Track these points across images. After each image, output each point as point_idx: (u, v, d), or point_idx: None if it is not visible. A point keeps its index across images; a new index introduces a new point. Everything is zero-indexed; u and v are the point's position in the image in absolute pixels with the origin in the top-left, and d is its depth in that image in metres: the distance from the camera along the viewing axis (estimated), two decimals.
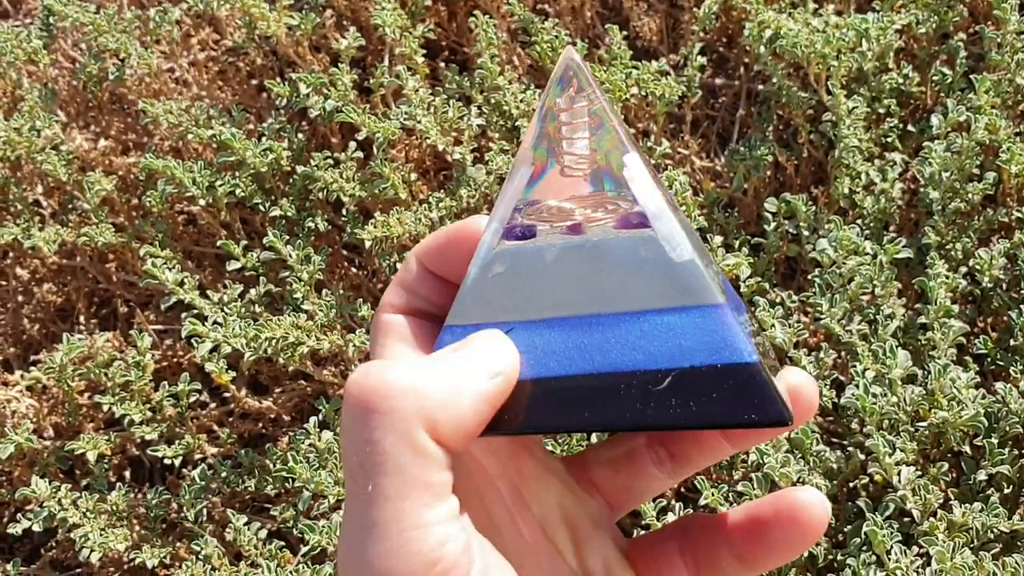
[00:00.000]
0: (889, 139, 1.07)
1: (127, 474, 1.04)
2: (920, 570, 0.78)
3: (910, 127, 1.09)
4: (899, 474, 0.83)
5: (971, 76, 1.03)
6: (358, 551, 0.33)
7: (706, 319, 0.36)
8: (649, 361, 0.36)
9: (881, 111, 1.08)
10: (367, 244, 0.92)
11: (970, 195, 0.98)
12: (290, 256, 0.93)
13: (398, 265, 0.99)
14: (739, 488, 0.84)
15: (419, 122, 1.00)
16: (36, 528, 0.87)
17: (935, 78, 1.09)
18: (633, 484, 0.43)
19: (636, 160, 0.39)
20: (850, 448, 0.90)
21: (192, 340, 0.89)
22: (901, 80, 1.08)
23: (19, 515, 0.89)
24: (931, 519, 0.81)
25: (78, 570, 0.99)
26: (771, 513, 0.39)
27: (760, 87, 1.19)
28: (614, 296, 0.37)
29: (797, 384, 0.38)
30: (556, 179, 0.39)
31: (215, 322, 0.88)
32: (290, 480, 0.84)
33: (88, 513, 0.85)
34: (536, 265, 0.38)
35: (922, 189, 1.00)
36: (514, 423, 0.37)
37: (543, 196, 0.39)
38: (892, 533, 0.79)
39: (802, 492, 0.39)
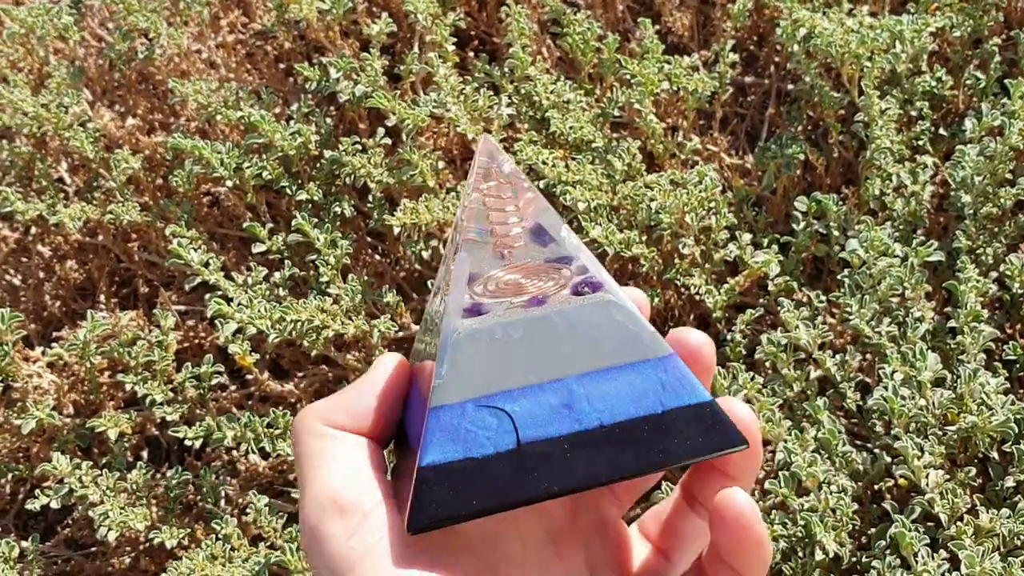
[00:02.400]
0: (920, 142, 1.06)
1: (144, 454, 1.04)
2: (947, 574, 0.77)
3: (941, 131, 1.08)
4: (927, 477, 0.82)
5: (1005, 81, 1.02)
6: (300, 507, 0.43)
7: (669, 367, 0.41)
8: (620, 413, 0.40)
9: (913, 114, 1.07)
10: (395, 230, 0.92)
11: (1002, 200, 0.97)
12: (318, 240, 0.92)
13: (424, 253, 0.98)
14: (766, 486, 0.83)
15: (449, 110, 0.99)
16: (54, 505, 0.87)
17: (968, 82, 1.08)
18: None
19: (567, 229, 0.44)
20: (876, 450, 0.89)
21: (217, 321, 0.88)
22: (934, 83, 1.07)
23: (37, 491, 0.88)
24: (958, 523, 0.81)
25: (93, 548, 0.98)
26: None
27: (790, 86, 1.18)
28: (580, 358, 0.41)
29: (742, 417, 0.44)
30: (493, 255, 0.43)
31: (240, 304, 0.88)
32: None
33: (108, 491, 0.85)
34: (505, 341, 0.41)
35: (953, 193, 0.99)
36: (511, 490, 0.40)
37: (485, 270, 0.43)
38: (919, 536, 0.78)
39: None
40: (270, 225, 1.01)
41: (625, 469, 0.40)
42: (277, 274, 0.97)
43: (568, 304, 0.42)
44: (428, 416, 0.40)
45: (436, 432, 0.40)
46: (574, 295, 0.42)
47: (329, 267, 0.92)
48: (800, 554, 0.82)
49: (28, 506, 0.87)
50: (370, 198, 1.01)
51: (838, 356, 0.91)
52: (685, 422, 0.41)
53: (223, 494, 0.90)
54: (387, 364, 0.45)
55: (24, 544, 0.90)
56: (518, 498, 0.40)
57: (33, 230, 1.15)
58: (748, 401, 0.85)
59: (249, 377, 0.97)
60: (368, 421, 0.44)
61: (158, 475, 0.93)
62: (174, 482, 0.88)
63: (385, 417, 0.45)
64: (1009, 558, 0.78)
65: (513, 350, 0.41)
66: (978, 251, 0.98)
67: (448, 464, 0.40)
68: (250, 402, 1.01)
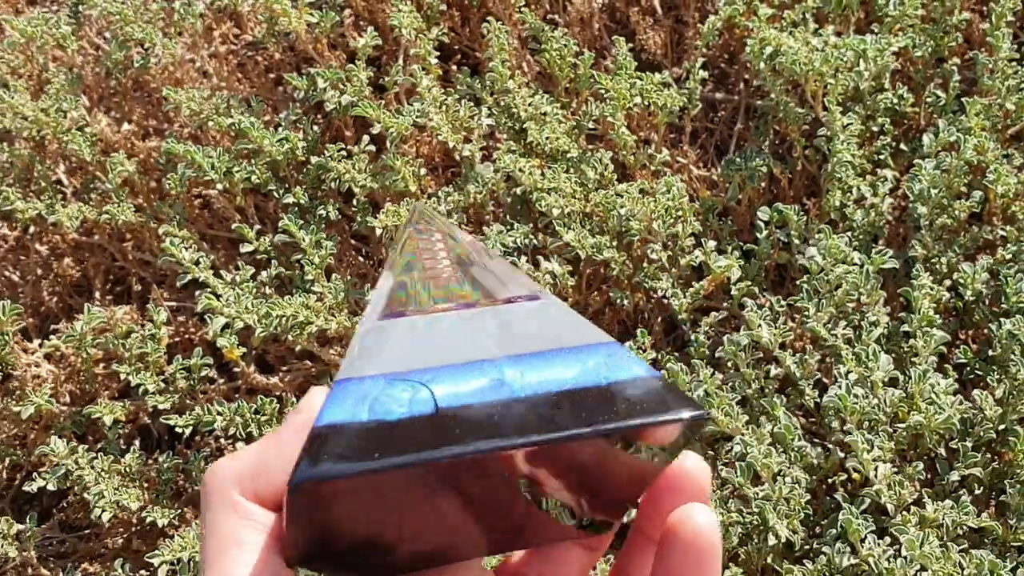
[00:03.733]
0: (881, 156, 1.11)
1: (136, 443, 1.08)
2: (891, 560, 0.82)
3: (902, 146, 1.13)
4: (876, 470, 0.87)
5: (963, 99, 1.07)
6: None
7: (614, 351, 0.36)
8: (559, 384, 0.35)
9: (875, 129, 1.12)
10: (377, 232, 0.97)
11: (957, 212, 1.03)
12: (303, 240, 0.97)
13: None
14: (722, 475, 0.88)
15: (431, 119, 1.04)
16: (51, 487, 0.91)
17: (929, 100, 1.14)
18: None
19: (501, 259, 0.41)
20: (830, 446, 0.94)
21: (206, 316, 0.93)
22: (896, 100, 1.12)
23: (34, 475, 0.93)
24: (904, 513, 0.86)
25: (86, 531, 1.03)
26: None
27: (759, 102, 1.24)
28: (514, 344, 0.36)
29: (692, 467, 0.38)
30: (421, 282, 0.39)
31: (228, 300, 0.93)
32: None
33: (103, 473, 0.89)
34: (427, 330, 0.36)
35: (911, 204, 1.04)
36: (428, 446, 0.32)
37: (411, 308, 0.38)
38: (866, 524, 0.83)
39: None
40: (258, 227, 1.05)
41: (563, 427, 0.33)
42: (264, 273, 1.02)
43: (501, 306, 0.38)
44: (332, 389, 0.34)
45: (339, 397, 0.33)
46: (505, 303, 0.38)
47: (314, 266, 0.96)
48: (755, 540, 0.87)
49: (26, 488, 0.92)
50: (354, 202, 1.06)
51: (798, 356, 0.96)
52: (633, 390, 0.35)
53: None
54: (316, 403, 0.37)
55: (20, 526, 0.94)
56: (436, 455, 0.32)
57: (32, 229, 1.19)
58: (707, 395, 0.90)
59: (236, 370, 1.02)
60: (275, 489, 0.37)
61: (150, 460, 0.97)
62: (165, 466, 0.92)
63: None
64: (949, 543, 0.83)
65: (436, 337, 0.36)
66: (933, 260, 1.03)
67: (351, 423, 0.33)
68: (237, 395, 1.06)
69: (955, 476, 0.90)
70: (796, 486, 0.87)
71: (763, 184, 1.12)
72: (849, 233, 1.05)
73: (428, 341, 0.35)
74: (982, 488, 0.90)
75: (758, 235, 1.06)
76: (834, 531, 0.87)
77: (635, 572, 0.41)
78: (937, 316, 0.94)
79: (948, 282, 1.02)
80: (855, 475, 0.93)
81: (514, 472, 0.34)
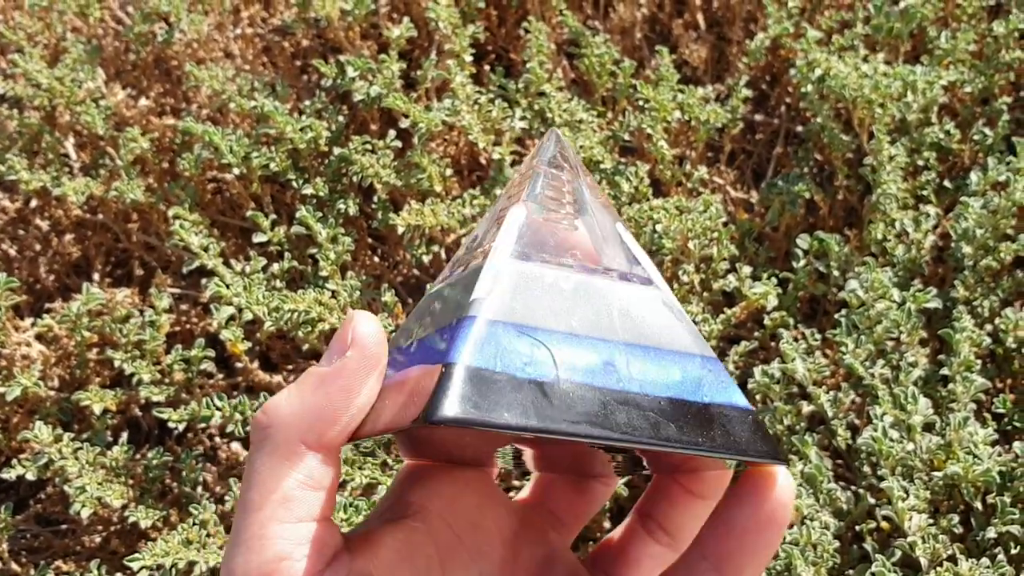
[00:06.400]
0: (924, 192, 1.06)
1: (124, 436, 1.03)
2: None
3: (946, 183, 1.08)
4: (911, 520, 0.82)
5: (1012, 139, 1.03)
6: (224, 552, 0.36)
7: (714, 368, 0.39)
8: (663, 389, 0.37)
9: (919, 163, 1.08)
10: (400, 231, 0.92)
11: (1002, 254, 0.98)
12: (320, 234, 0.92)
13: (424, 257, 0.98)
14: None
15: (463, 118, 0.99)
16: (29, 476, 0.85)
17: (975, 137, 1.09)
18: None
19: (623, 227, 0.43)
20: (860, 491, 0.89)
21: (212, 306, 0.88)
22: (942, 135, 1.08)
23: (13, 462, 0.87)
24: (937, 569, 0.80)
25: (63, 526, 0.97)
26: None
27: (799, 128, 1.19)
28: (625, 330, 0.38)
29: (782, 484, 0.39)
30: (544, 229, 0.40)
31: (238, 289, 0.87)
32: None
33: (87, 465, 0.83)
34: (554, 287, 0.38)
35: (954, 243, 1.00)
36: (551, 417, 0.35)
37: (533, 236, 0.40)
38: None
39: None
40: (273, 217, 1.00)
41: (670, 439, 0.36)
42: (276, 265, 0.97)
43: (616, 281, 0.40)
44: (458, 324, 0.36)
45: (468, 337, 0.35)
46: (622, 280, 0.40)
47: (329, 262, 0.91)
48: None
49: (3, 475, 0.86)
50: (375, 199, 1.01)
51: (831, 393, 0.91)
52: (728, 419, 0.38)
53: (201, 480, 0.89)
54: (373, 351, 0.37)
55: None
56: (557, 427, 0.35)
57: (33, 202, 1.14)
58: None
59: (239, 366, 0.96)
60: (345, 437, 0.37)
61: (138, 455, 0.91)
62: (155, 462, 0.87)
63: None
64: None
65: (560, 297, 0.38)
66: (974, 302, 0.98)
67: (481, 369, 0.35)
68: (236, 392, 1.00)
69: (991, 532, 0.84)
70: (825, 531, 0.82)
71: (801, 212, 1.07)
72: (889, 268, 1.00)
73: (555, 299, 0.38)
74: (1019, 547, 0.85)
75: (794, 264, 1.01)
76: None
77: (660, 515, 0.43)
78: (977, 361, 0.90)
79: (989, 327, 0.98)
80: (884, 524, 0.87)
81: (606, 452, 0.38)
